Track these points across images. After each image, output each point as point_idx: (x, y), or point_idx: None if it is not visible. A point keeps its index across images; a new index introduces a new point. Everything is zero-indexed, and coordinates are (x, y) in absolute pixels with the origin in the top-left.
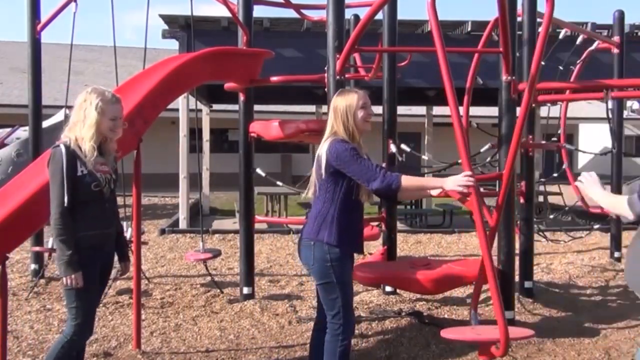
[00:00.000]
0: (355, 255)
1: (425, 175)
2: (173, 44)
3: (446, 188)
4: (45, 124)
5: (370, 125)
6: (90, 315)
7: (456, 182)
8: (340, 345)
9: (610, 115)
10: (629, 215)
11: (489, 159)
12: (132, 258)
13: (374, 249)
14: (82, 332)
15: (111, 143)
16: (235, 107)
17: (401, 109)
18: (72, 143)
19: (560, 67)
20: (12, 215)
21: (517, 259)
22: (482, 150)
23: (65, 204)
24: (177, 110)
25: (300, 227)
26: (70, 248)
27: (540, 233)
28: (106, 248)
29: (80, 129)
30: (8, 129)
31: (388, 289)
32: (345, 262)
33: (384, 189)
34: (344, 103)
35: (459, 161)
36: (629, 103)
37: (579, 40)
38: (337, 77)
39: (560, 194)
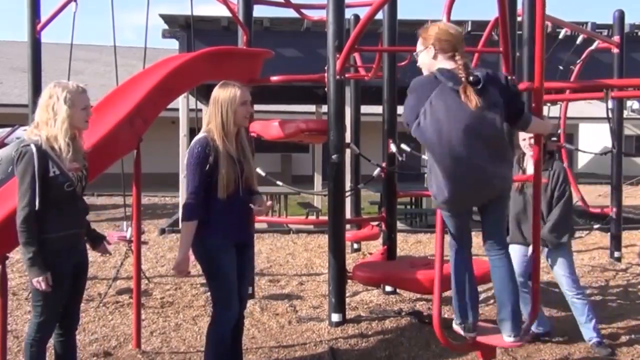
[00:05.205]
0: (356, 254)
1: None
2: (173, 44)
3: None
4: None
5: (248, 122)
6: (54, 315)
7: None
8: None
9: (610, 115)
10: None
11: None
12: (132, 258)
13: (374, 248)
14: (43, 330)
15: (79, 139)
16: None
17: (401, 109)
18: (43, 143)
19: (560, 67)
20: (12, 216)
21: None
22: None
23: (36, 207)
24: (177, 110)
25: (301, 226)
26: (34, 249)
27: None
28: (79, 247)
29: (51, 127)
30: (8, 129)
31: (388, 289)
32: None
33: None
34: (225, 95)
35: None
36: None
37: (579, 40)
38: (337, 77)
39: None
